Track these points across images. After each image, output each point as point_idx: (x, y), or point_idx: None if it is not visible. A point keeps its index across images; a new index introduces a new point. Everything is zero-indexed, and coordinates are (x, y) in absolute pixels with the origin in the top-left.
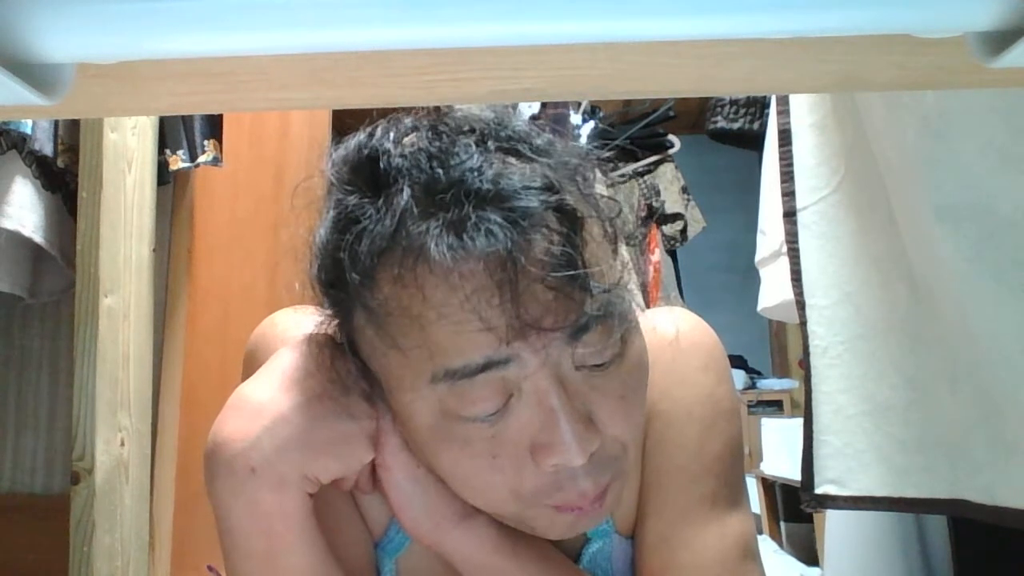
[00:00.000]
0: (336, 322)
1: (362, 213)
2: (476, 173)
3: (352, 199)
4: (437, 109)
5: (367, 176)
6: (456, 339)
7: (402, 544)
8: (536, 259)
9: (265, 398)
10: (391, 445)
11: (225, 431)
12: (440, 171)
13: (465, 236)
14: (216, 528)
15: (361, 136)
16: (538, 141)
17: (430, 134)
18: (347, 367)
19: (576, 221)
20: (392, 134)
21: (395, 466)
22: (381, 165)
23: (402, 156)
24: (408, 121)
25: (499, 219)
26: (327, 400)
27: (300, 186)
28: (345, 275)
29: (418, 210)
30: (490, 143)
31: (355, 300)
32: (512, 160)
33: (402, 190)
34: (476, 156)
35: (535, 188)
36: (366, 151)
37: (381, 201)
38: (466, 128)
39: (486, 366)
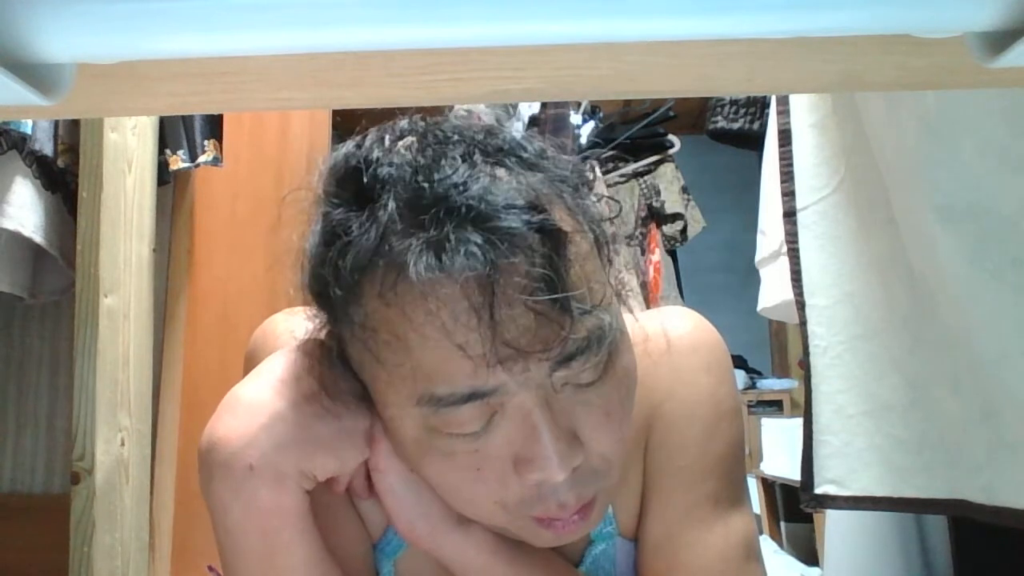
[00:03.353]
0: (327, 330)
1: (347, 227)
2: (460, 189)
3: (338, 212)
4: (429, 116)
5: (353, 188)
6: (440, 365)
7: (400, 546)
8: (516, 282)
9: (260, 398)
10: (384, 449)
11: (220, 431)
12: (425, 185)
13: (444, 257)
14: (213, 528)
15: (350, 145)
16: (529, 152)
17: (418, 144)
18: (337, 375)
19: (560, 241)
20: (380, 143)
21: (389, 469)
22: (366, 178)
23: (389, 165)
24: (399, 128)
25: (479, 240)
26: (322, 399)
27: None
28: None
29: (401, 226)
30: (477, 156)
31: (341, 314)
32: (500, 173)
33: (386, 204)
34: (462, 170)
35: (518, 207)
36: (353, 162)
37: (365, 215)
38: (455, 138)
39: (471, 396)
